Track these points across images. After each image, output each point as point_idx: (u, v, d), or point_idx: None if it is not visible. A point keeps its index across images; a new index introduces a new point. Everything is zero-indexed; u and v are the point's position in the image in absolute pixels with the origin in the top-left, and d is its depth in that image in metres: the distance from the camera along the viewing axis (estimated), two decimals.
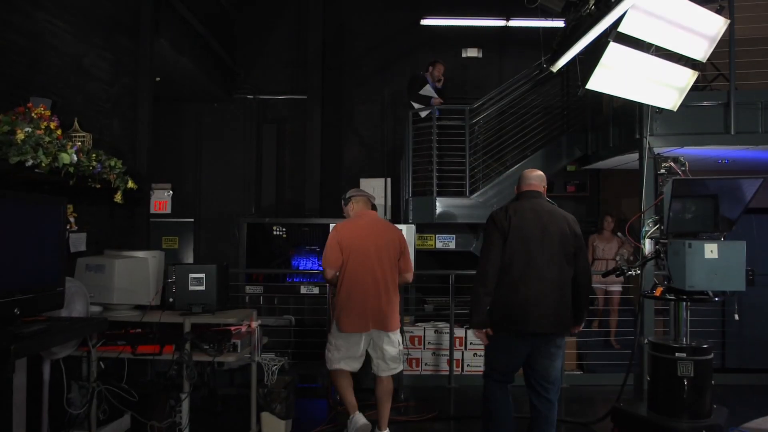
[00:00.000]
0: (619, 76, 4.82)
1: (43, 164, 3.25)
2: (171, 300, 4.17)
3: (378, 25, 9.94)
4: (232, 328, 4.26)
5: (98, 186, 4.08)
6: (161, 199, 9.53)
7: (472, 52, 9.89)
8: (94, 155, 3.88)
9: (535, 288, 3.63)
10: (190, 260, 9.53)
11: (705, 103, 6.01)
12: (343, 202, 4.65)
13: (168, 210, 9.66)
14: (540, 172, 4.07)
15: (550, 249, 3.68)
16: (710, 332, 6.69)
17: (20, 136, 3.07)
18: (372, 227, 4.43)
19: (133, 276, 4.13)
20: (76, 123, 4.15)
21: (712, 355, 4.24)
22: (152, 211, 8.40)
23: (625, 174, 8.27)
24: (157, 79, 6.83)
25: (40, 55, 4.23)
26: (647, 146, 5.98)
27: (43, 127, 3.37)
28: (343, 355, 4.36)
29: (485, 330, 3.72)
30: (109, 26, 5.39)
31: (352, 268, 4.27)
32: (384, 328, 4.34)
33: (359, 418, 4.35)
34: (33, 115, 3.35)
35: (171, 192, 9.64)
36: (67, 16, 4.64)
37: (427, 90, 8.18)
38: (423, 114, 7.85)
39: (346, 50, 10.01)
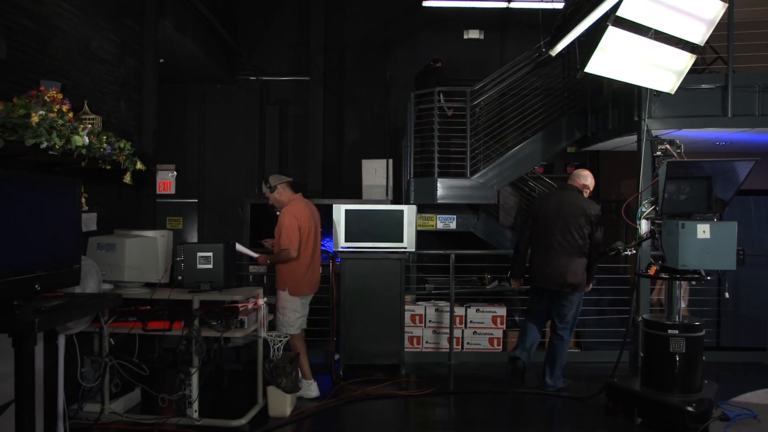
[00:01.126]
0: (617, 59, 4.89)
1: (57, 146, 3.35)
2: (180, 278, 4.30)
3: (380, 7, 9.95)
4: (239, 305, 4.40)
5: (108, 167, 4.18)
6: (165, 180, 9.66)
7: (473, 34, 9.91)
8: (104, 137, 3.98)
9: (547, 256, 5.18)
10: (195, 240, 9.66)
11: (703, 86, 6.07)
12: (268, 189, 5.11)
13: (172, 191, 9.80)
14: (583, 172, 5.45)
15: (561, 228, 5.12)
16: (705, 312, 6.84)
17: (35, 119, 3.18)
18: (308, 209, 5.16)
19: (143, 255, 4.26)
20: (86, 105, 4.25)
21: (703, 332, 4.38)
22: (157, 192, 8.51)
23: (624, 156, 8.35)
24: (161, 60, 6.89)
25: (48, 38, 4.31)
26: (646, 128, 6.05)
27: (55, 110, 3.47)
28: (300, 316, 5.07)
29: (518, 280, 5.57)
30: (115, 9, 5.45)
31: (306, 245, 5.01)
32: (315, 292, 5.28)
33: (315, 388, 5.11)
34: (46, 98, 3.45)
35: (175, 173, 9.76)
36: (75, 0, 4.71)
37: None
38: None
39: (348, 32, 10.04)
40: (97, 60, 5.11)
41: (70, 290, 3.29)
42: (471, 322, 6.85)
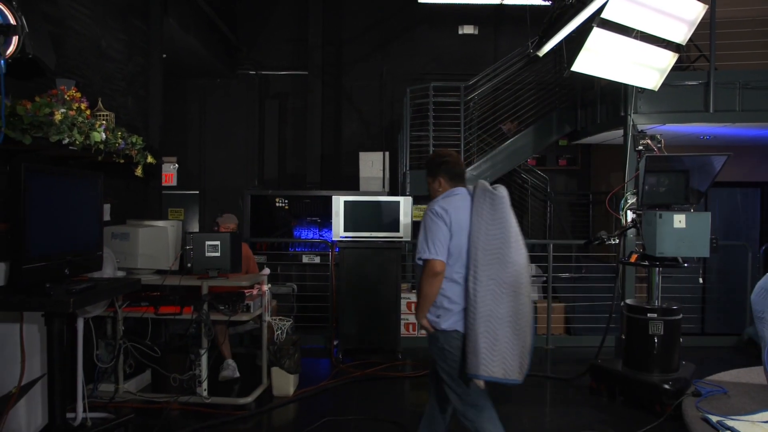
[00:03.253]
0: (602, 59, 5.16)
1: (77, 142, 3.60)
2: (189, 265, 4.57)
3: (377, 3, 10.17)
4: (245, 290, 4.67)
5: (122, 161, 4.43)
6: (167, 172, 9.86)
7: (468, 29, 10.14)
8: (119, 133, 4.23)
9: None
10: (196, 231, 9.90)
11: (686, 83, 6.35)
12: (216, 227, 5.60)
13: (174, 183, 10.02)
14: None
15: None
16: (690, 299, 7.14)
17: (58, 117, 3.42)
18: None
19: (155, 243, 4.52)
20: (99, 103, 4.49)
21: (680, 316, 4.67)
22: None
23: (614, 148, 8.63)
24: (164, 56, 7.11)
25: (63, 39, 4.55)
26: (631, 123, 6.33)
27: (74, 107, 3.71)
28: None
29: None
30: (123, 8, 5.68)
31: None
32: None
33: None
34: (66, 97, 3.69)
35: (177, 165, 9.98)
36: (86, 1, 4.94)
37: None
38: None
39: (346, 27, 10.26)
40: (106, 58, 5.34)
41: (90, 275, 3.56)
42: None
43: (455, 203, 3.03)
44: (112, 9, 5.44)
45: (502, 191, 3.00)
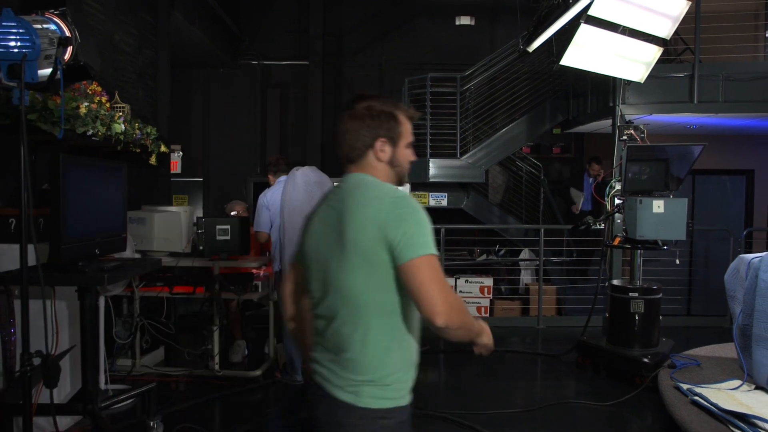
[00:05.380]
0: (590, 53, 5.45)
1: (100, 133, 3.90)
2: (201, 248, 4.88)
3: None
4: (254, 271, 4.99)
5: (138, 150, 4.73)
6: (172, 160, 10.15)
7: (465, 20, 10.37)
8: (136, 124, 4.52)
9: None
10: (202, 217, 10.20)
11: (672, 75, 6.64)
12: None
13: (178, 170, 10.31)
14: None
15: None
16: (676, 281, 7.47)
17: (83, 110, 3.71)
18: None
19: (169, 227, 4.84)
20: (117, 95, 4.78)
21: (660, 295, 5.00)
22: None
23: (605, 137, 8.93)
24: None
25: (82, 35, 4.81)
26: (620, 113, 6.63)
27: (96, 101, 4.00)
28: None
29: None
30: (133, 3, 5.95)
31: None
32: None
33: None
34: (88, 91, 3.98)
35: (181, 153, 10.27)
36: None
37: (575, 194, 8.52)
38: None
39: (346, 18, 10.49)
40: (119, 52, 5.62)
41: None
42: (460, 291, 7.48)
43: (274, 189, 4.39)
44: (123, 4, 5.71)
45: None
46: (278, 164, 4.93)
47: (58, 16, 2.13)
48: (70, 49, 2.11)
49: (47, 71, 2.05)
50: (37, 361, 2.28)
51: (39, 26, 2.03)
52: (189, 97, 10.38)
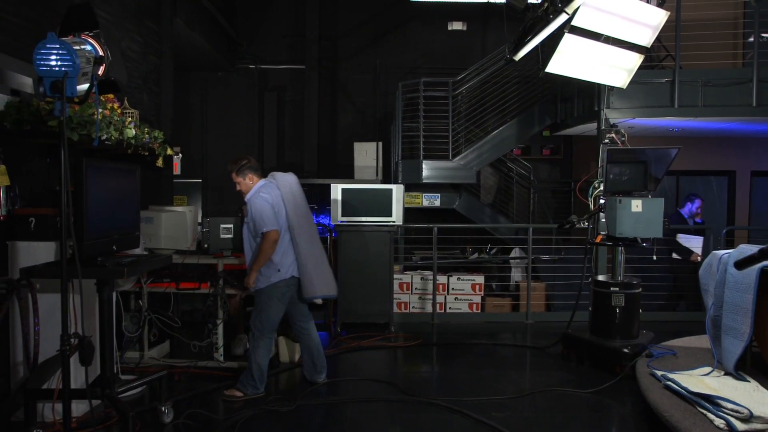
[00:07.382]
0: (574, 61, 5.73)
1: (113, 138, 4.15)
2: (206, 246, 5.14)
3: (370, 0, 10.69)
4: None
5: (146, 153, 4.99)
6: (173, 161, 10.41)
7: (457, 26, 10.68)
8: (145, 129, 4.78)
9: None
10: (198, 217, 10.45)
11: (654, 81, 6.95)
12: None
13: (178, 171, 10.55)
14: None
15: None
16: (662, 278, 7.76)
17: (100, 116, 3.97)
18: None
19: (176, 226, 5.10)
20: (126, 101, 5.04)
21: (640, 290, 5.29)
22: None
23: (592, 139, 9.23)
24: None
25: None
26: (604, 117, 6.94)
27: (108, 107, 4.26)
28: None
29: None
30: (137, 11, 6.21)
31: None
32: None
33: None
34: (101, 98, 4.23)
35: (180, 155, 10.51)
36: (108, 7, 5.48)
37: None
38: None
39: (341, 23, 10.78)
40: (125, 58, 5.87)
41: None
42: (453, 289, 7.77)
43: (269, 190, 4.44)
44: (129, 13, 5.97)
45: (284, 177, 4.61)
46: (257, 165, 4.63)
47: (92, 37, 2.39)
48: (102, 67, 2.37)
49: (84, 86, 2.32)
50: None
51: (77, 47, 2.30)
52: (188, 100, 10.65)
